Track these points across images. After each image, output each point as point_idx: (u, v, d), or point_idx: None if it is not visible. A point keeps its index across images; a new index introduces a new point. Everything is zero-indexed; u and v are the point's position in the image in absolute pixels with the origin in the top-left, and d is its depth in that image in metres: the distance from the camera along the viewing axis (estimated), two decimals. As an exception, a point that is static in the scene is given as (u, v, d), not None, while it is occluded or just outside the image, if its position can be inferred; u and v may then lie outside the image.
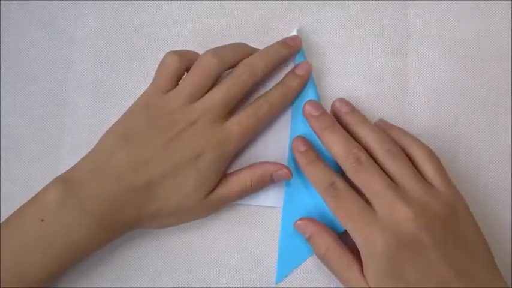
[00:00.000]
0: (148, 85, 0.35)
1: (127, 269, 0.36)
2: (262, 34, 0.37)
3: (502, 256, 0.35)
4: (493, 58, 0.38)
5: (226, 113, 0.34)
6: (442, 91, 0.37)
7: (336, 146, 0.33)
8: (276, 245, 0.36)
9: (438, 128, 0.37)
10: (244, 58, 0.35)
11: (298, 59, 0.37)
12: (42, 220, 0.31)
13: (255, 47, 0.37)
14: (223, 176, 0.34)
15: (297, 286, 0.35)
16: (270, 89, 0.36)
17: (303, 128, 0.36)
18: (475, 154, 0.37)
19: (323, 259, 0.33)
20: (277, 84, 0.36)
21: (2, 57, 0.39)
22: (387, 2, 0.38)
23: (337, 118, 0.35)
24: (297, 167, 0.35)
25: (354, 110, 0.35)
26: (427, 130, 0.37)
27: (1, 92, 0.39)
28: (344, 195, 0.32)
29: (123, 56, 0.39)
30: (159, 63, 0.35)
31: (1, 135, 0.38)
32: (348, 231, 0.31)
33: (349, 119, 0.35)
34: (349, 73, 0.38)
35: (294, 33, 0.38)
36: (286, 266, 0.35)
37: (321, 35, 0.38)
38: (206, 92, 0.34)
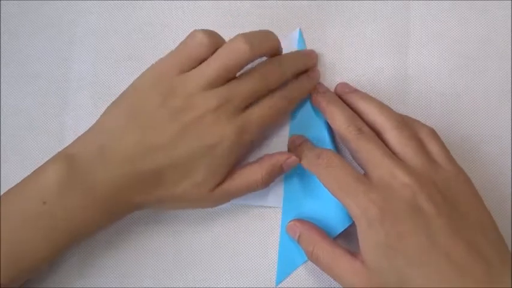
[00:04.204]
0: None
1: (126, 270, 0.36)
2: (262, 34, 0.37)
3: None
4: (493, 58, 0.38)
5: (247, 105, 0.33)
6: (442, 91, 0.37)
7: (339, 116, 0.33)
8: (276, 245, 0.36)
9: (438, 128, 0.37)
10: (273, 50, 0.34)
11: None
12: (44, 203, 0.29)
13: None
14: (232, 170, 0.33)
15: (297, 287, 0.35)
16: (288, 84, 0.35)
17: (302, 128, 0.37)
18: (475, 154, 0.37)
19: (312, 256, 0.32)
20: (293, 82, 0.35)
21: (2, 57, 0.39)
22: (387, 2, 0.38)
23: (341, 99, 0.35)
24: (297, 168, 0.35)
25: (357, 89, 0.35)
26: (427, 130, 0.37)
27: (1, 92, 0.39)
28: (336, 165, 0.31)
29: (123, 55, 0.39)
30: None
31: (1, 135, 0.38)
32: (344, 205, 0.30)
33: (353, 97, 0.34)
34: (349, 73, 0.38)
35: (296, 32, 0.38)
36: (286, 267, 0.35)
37: (321, 35, 0.38)
38: (229, 80, 0.32)
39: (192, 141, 0.31)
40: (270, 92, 0.34)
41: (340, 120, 0.33)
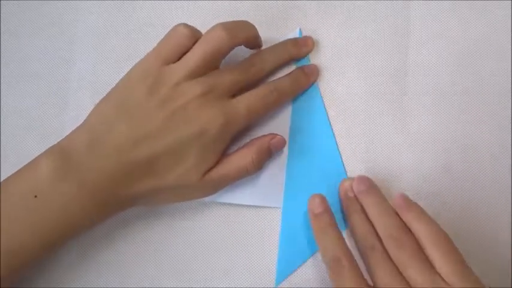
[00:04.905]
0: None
1: (126, 270, 0.36)
2: (262, 34, 0.37)
3: (501, 257, 0.35)
4: (493, 58, 0.38)
5: (231, 95, 0.33)
6: (442, 91, 0.37)
7: (357, 230, 0.34)
8: (276, 245, 0.36)
9: (438, 127, 0.37)
10: (251, 39, 0.34)
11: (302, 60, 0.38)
12: (36, 196, 0.29)
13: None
14: (222, 156, 0.34)
15: (297, 287, 0.35)
16: (280, 79, 0.36)
17: (302, 126, 0.37)
18: (475, 154, 0.37)
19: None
20: (286, 76, 0.36)
21: (2, 57, 0.39)
22: (387, 2, 0.38)
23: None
24: (298, 168, 0.35)
25: (368, 189, 0.34)
26: (427, 130, 0.37)
27: (1, 92, 0.39)
28: (347, 277, 0.31)
29: (123, 55, 0.39)
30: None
31: (1, 135, 0.38)
32: None
33: (363, 201, 0.34)
34: (349, 73, 0.38)
35: (297, 32, 0.38)
36: (285, 267, 0.35)
37: (321, 35, 0.38)
38: (212, 69, 0.33)
39: (181, 128, 0.31)
40: (257, 84, 0.35)
41: (358, 235, 0.33)
